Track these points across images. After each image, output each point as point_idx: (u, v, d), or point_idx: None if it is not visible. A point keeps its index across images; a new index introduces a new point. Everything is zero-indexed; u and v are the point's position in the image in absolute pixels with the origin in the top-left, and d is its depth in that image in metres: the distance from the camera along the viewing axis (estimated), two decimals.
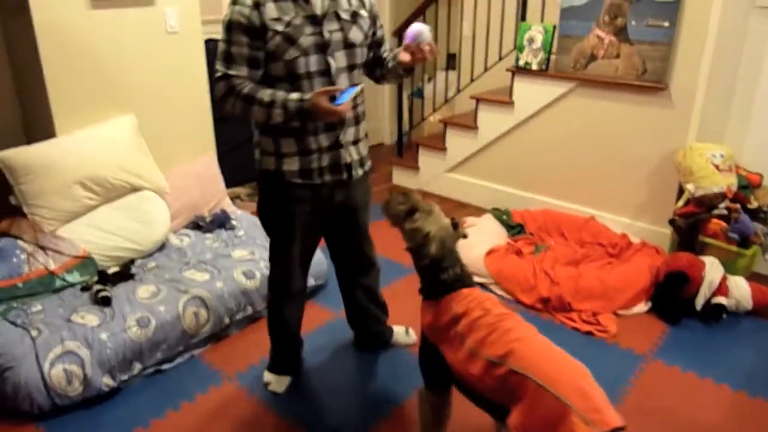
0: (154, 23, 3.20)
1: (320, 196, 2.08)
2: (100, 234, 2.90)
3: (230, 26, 1.83)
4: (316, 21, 1.87)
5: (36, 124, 3.08)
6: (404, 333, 2.70)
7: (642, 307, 3.00)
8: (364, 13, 2.00)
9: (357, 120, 2.07)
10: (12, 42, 3.00)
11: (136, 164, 3.08)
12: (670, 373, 2.55)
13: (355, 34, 1.96)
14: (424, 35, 1.89)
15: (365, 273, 2.48)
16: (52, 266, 2.72)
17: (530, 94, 3.87)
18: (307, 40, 1.86)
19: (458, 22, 4.79)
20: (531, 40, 3.81)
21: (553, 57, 3.76)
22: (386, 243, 2.62)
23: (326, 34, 1.88)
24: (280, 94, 1.85)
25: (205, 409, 2.33)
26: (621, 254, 3.35)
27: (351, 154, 2.07)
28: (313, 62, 1.89)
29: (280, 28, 1.82)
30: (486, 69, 4.34)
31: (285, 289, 2.29)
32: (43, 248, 2.75)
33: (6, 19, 2.95)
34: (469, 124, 4.22)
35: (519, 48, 3.86)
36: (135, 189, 3.09)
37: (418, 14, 4.44)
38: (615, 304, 2.94)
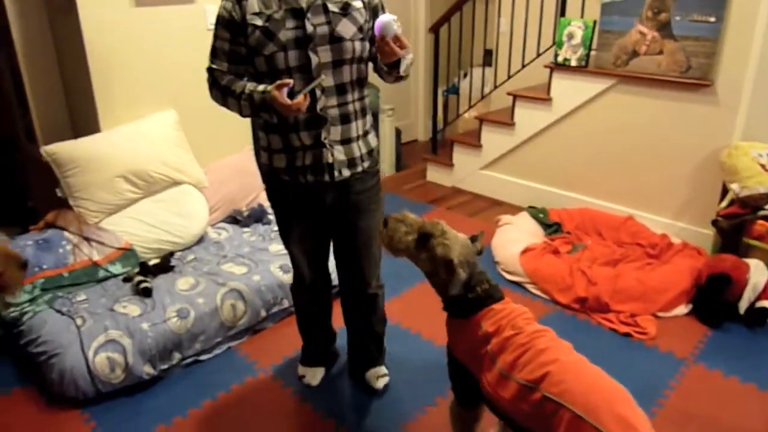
0: (195, 20, 3.26)
1: (310, 197, 2.01)
2: (142, 226, 2.98)
3: (216, 21, 1.87)
4: (299, 14, 1.80)
5: (82, 119, 3.18)
6: (376, 378, 2.41)
7: (682, 309, 2.93)
8: (358, 4, 1.86)
9: (346, 118, 1.93)
10: (60, 40, 3.09)
11: (176, 158, 3.15)
12: (711, 377, 2.49)
13: (345, 28, 1.83)
14: (389, 28, 1.74)
15: (360, 296, 2.27)
16: (96, 257, 2.80)
17: (569, 90, 3.81)
18: (286, 34, 1.79)
19: (494, 18, 4.74)
20: (570, 36, 3.75)
21: (592, 53, 3.69)
22: None
23: (309, 28, 1.79)
24: (249, 86, 1.83)
25: (241, 400, 2.37)
26: (661, 255, 3.27)
27: (335, 154, 1.93)
28: (293, 57, 1.81)
29: (259, 22, 1.80)
30: (524, 65, 4.29)
31: (297, 281, 2.29)
32: (87, 239, 2.83)
33: (54, 17, 3.04)
34: (505, 120, 4.18)
35: (558, 44, 3.81)
36: (175, 183, 3.16)
37: (454, 10, 4.41)
38: (654, 305, 2.88)
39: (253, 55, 1.85)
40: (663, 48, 3.36)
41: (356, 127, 1.97)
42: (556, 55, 3.83)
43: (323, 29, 1.82)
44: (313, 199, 2.02)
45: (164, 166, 3.08)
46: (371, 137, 2.07)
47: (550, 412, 1.46)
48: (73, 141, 2.93)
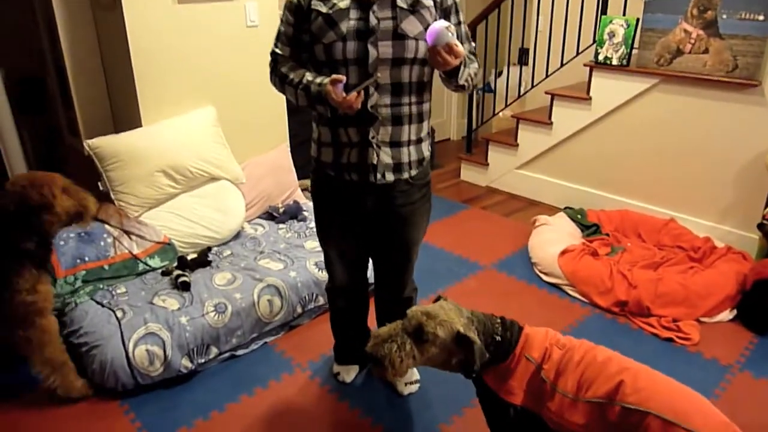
0: (236, 17, 3.28)
1: (352, 197, 1.95)
2: (181, 221, 3.01)
3: (284, 5, 1.86)
4: (365, 6, 1.74)
5: (123, 114, 3.22)
6: (404, 384, 2.39)
7: (726, 315, 2.85)
8: (428, 2, 1.79)
9: (398, 120, 1.85)
10: (104, 36, 3.14)
11: (215, 154, 3.17)
12: (759, 386, 2.41)
13: (410, 25, 1.75)
14: (441, 37, 1.64)
15: (394, 299, 2.26)
16: (136, 250, 2.84)
17: (609, 89, 3.73)
18: (347, 24, 1.74)
19: (532, 16, 4.68)
20: (612, 34, 3.68)
21: (634, 52, 3.61)
22: (453, 239, 2.56)
23: (372, 21, 1.73)
24: (308, 76, 1.80)
25: (278, 396, 2.37)
26: (704, 259, 3.19)
27: (381, 155, 1.86)
28: (351, 49, 1.75)
29: (323, 9, 1.76)
30: (562, 64, 4.23)
31: (331, 279, 2.26)
32: (127, 233, 2.87)
33: (99, 13, 3.09)
34: (543, 119, 4.12)
35: (599, 42, 3.73)
36: (213, 178, 3.18)
37: (492, 8, 4.37)
38: (698, 311, 2.81)
39: (313, 43, 1.81)
40: (708, 47, 3.27)
41: (408, 131, 1.89)
42: (597, 54, 3.75)
43: (387, 24, 1.75)
44: (354, 200, 1.97)
45: (203, 162, 3.11)
46: (425, 146, 1.98)
47: (636, 422, 1.36)
48: (115, 135, 2.97)
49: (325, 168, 1.97)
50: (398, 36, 1.76)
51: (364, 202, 1.96)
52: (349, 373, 2.45)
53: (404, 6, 1.76)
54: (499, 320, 1.66)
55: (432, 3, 1.81)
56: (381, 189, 1.93)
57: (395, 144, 1.89)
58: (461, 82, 1.83)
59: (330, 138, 1.92)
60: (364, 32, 1.75)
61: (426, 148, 2.00)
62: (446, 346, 1.53)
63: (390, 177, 1.91)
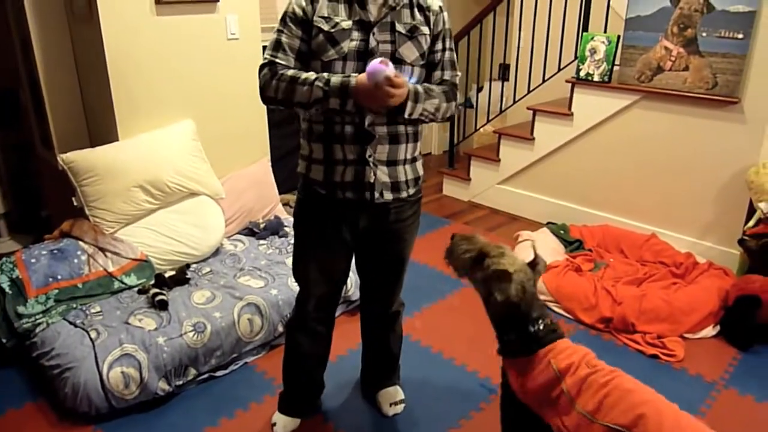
0: (216, 30, 3.23)
1: (343, 218, 1.91)
2: (158, 237, 2.93)
3: (286, 17, 1.80)
4: (366, 27, 1.76)
5: (99, 128, 3.14)
6: (388, 405, 2.33)
7: (710, 331, 2.85)
8: (425, 30, 1.82)
9: (395, 139, 1.85)
10: (79, 48, 3.07)
11: (193, 169, 3.10)
12: (743, 403, 2.40)
13: (408, 51, 1.79)
14: (378, 75, 1.62)
15: (381, 315, 2.23)
16: (111, 268, 2.75)
17: (591, 105, 3.76)
18: (349, 44, 1.75)
19: (513, 32, 4.70)
20: (593, 51, 3.70)
21: (616, 68, 3.64)
22: (436, 255, 2.52)
23: (372, 42, 1.75)
24: (324, 74, 1.75)
25: (258, 418, 2.29)
26: (686, 274, 3.19)
27: (378, 174, 1.84)
28: (350, 68, 1.77)
29: (325, 27, 1.75)
30: (544, 80, 4.25)
31: (299, 313, 2.12)
32: (102, 250, 2.78)
33: (74, 25, 3.02)
34: (524, 135, 4.13)
35: (580, 59, 3.76)
36: (192, 193, 3.11)
37: (473, 24, 4.38)
38: (682, 327, 2.80)
39: (311, 58, 1.79)
40: (689, 64, 3.31)
41: (405, 150, 1.89)
42: (578, 70, 3.78)
43: (386, 47, 1.77)
44: (346, 218, 1.91)
45: (181, 177, 3.03)
46: (419, 165, 1.98)
47: None
48: (91, 149, 2.89)
49: (314, 185, 1.91)
50: (396, 60, 1.78)
51: (356, 221, 1.92)
52: (287, 427, 2.22)
53: (403, 31, 1.78)
54: (549, 320, 1.66)
55: (428, 30, 1.83)
56: (377, 207, 1.90)
57: (392, 163, 1.87)
58: (414, 116, 1.79)
59: (322, 155, 1.86)
60: (363, 53, 1.76)
61: (420, 167, 1.99)
62: (489, 285, 1.65)
63: (389, 196, 1.89)
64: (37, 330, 2.44)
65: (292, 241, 3.16)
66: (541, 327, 1.63)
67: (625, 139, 3.67)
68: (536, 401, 1.60)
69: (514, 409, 1.69)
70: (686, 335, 2.82)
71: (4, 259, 2.61)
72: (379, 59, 1.64)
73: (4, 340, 2.48)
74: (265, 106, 3.51)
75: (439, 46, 1.87)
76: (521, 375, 1.64)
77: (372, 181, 1.84)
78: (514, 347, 1.67)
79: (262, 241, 3.27)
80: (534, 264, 1.70)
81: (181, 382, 2.41)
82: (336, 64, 1.76)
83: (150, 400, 2.32)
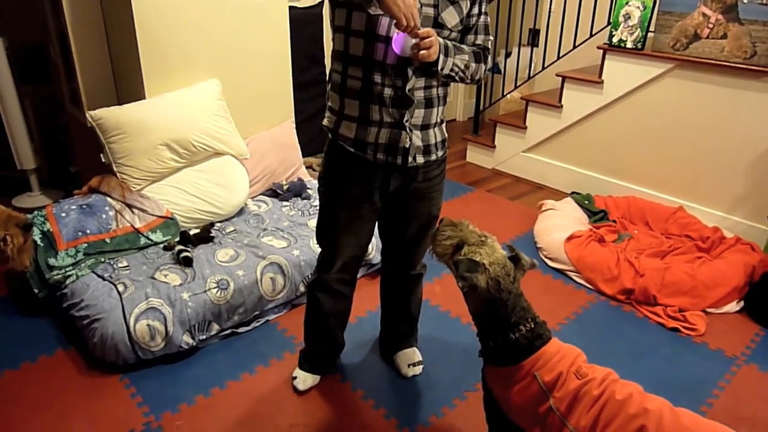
0: None
1: (373, 180, 1.91)
2: (183, 196, 2.97)
3: None
4: None
5: (127, 86, 3.16)
6: (407, 366, 2.37)
7: (733, 306, 2.82)
8: None
9: (429, 102, 1.86)
10: (107, 5, 3.06)
11: (219, 128, 3.12)
12: (764, 379, 2.39)
13: (449, 16, 1.78)
14: (405, 48, 1.67)
15: (403, 276, 2.25)
16: (138, 224, 2.80)
17: (622, 73, 3.66)
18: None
19: None
20: (627, 16, 3.59)
21: (650, 35, 3.53)
22: None
23: (417, 4, 1.68)
24: None
25: (279, 374, 2.35)
26: (712, 249, 3.15)
27: (413, 139, 1.85)
28: (391, 24, 1.71)
29: None
30: (575, 46, 4.14)
31: (322, 270, 2.12)
32: (129, 206, 2.83)
33: None
34: (552, 102, 4.05)
35: (614, 24, 3.65)
36: (217, 153, 3.13)
37: None
38: (705, 301, 2.78)
39: (355, 9, 1.73)
40: (727, 32, 3.19)
41: (437, 113, 1.90)
42: (611, 36, 3.67)
43: (428, 11, 1.75)
44: (376, 181, 1.92)
45: (206, 136, 3.05)
46: (444, 126, 1.99)
47: None
48: (119, 107, 2.92)
49: (344, 142, 1.90)
50: (438, 24, 1.76)
51: (387, 183, 1.93)
52: (306, 382, 2.28)
53: None
54: (532, 324, 1.52)
55: None
56: (408, 170, 1.91)
57: (425, 126, 1.88)
58: (446, 71, 1.78)
59: (357, 112, 1.84)
60: None
61: (444, 129, 2.00)
62: (460, 272, 1.57)
63: (420, 159, 1.90)
64: (68, 282, 2.52)
65: (315, 204, 3.24)
66: (523, 332, 1.50)
67: (655, 109, 3.58)
68: (522, 418, 1.50)
69: (500, 418, 1.58)
70: (709, 310, 2.79)
71: (35, 212, 2.67)
72: (399, 35, 1.65)
73: (36, 291, 2.56)
74: (290, 68, 3.53)
75: (475, 10, 1.85)
76: (504, 388, 1.52)
77: (407, 146, 1.85)
78: (496, 355, 1.56)
79: (285, 203, 3.30)
80: (516, 259, 1.60)
81: (204, 337, 2.47)
82: (381, 19, 1.72)
83: (174, 353, 2.39)
